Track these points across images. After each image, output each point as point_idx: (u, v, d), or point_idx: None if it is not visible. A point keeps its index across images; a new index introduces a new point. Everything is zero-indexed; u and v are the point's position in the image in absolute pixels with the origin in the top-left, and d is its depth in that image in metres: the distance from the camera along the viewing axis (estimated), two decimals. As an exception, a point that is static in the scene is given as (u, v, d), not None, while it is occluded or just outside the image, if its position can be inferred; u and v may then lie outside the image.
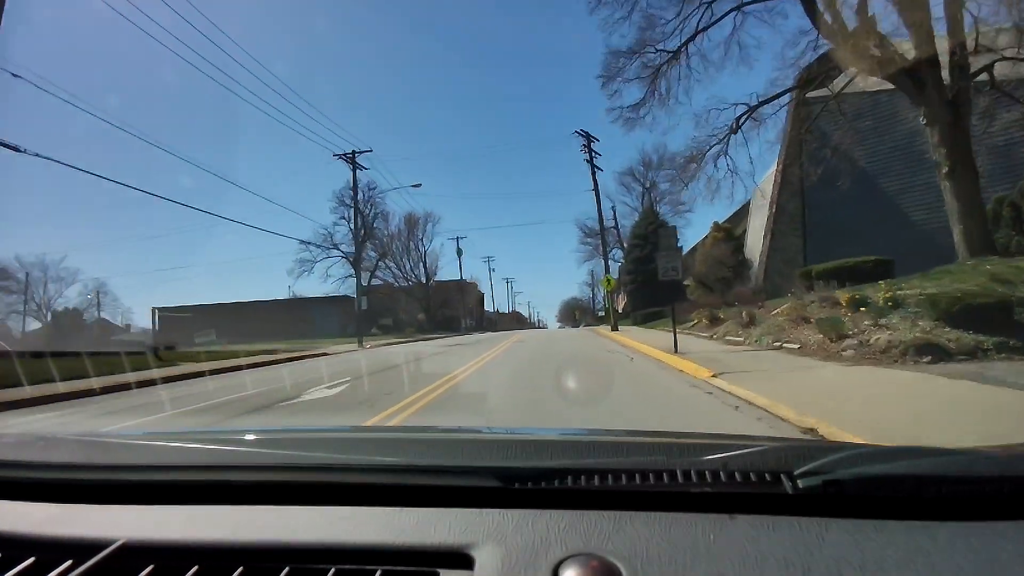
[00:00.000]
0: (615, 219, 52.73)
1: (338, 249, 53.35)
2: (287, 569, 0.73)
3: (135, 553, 0.77)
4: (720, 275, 26.63)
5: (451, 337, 36.22)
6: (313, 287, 53.63)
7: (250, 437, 1.23)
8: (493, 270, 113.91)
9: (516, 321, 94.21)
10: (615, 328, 25.06)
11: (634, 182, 52.76)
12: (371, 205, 54.17)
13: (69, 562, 0.75)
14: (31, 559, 0.77)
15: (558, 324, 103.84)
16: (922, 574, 0.64)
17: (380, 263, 57.82)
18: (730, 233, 30.85)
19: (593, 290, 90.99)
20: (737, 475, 0.80)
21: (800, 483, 0.77)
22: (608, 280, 27.70)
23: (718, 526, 0.75)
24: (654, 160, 51.19)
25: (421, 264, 61.95)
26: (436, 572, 0.72)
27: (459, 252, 61.48)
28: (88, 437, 1.22)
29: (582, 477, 0.84)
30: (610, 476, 0.84)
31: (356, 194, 29.58)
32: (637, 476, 0.83)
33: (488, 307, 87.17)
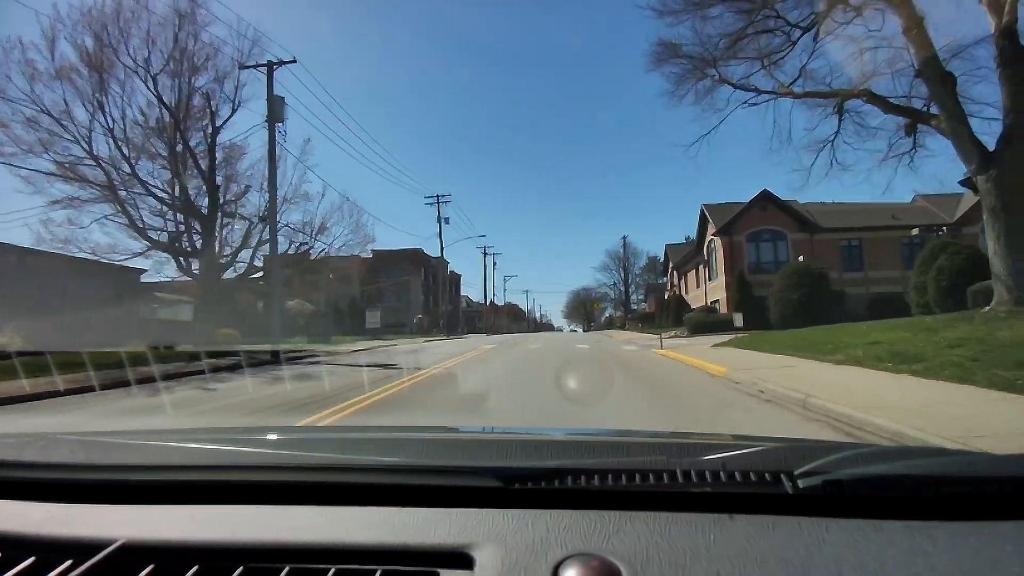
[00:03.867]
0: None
1: None
2: (287, 569, 0.73)
3: (135, 553, 0.77)
4: None
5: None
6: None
7: (250, 437, 1.23)
8: (446, 220, 42.71)
9: (511, 317, 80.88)
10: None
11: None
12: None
13: (69, 562, 0.75)
14: (31, 559, 0.77)
15: (568, 326, 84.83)
16: (922, 574, 0.64)
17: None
18: None
19: (626, 268, 58.48)
20: (737, 475, 0.81)
21: (800, 483, 0.78)
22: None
23: (718, 526, 0.75)
24: None
25: (198, 173, 18.37)
26: (436, 572, 0.72)
27: (271, 122, 16.20)
28: (88, 437, 1.21)
29: (582, 477, 0.85)
30: (610, 476, 0.84)
31: None
32: (637, 476, 0.83)
33: (479, 299, 64.55)
